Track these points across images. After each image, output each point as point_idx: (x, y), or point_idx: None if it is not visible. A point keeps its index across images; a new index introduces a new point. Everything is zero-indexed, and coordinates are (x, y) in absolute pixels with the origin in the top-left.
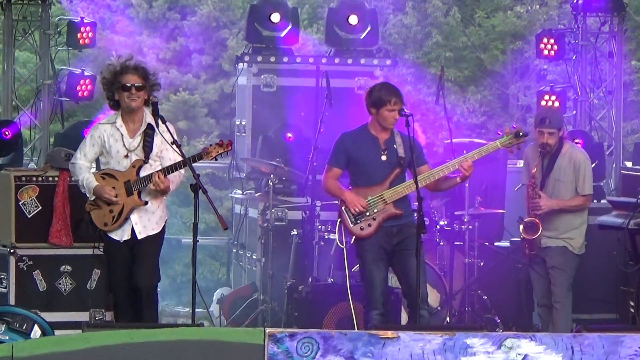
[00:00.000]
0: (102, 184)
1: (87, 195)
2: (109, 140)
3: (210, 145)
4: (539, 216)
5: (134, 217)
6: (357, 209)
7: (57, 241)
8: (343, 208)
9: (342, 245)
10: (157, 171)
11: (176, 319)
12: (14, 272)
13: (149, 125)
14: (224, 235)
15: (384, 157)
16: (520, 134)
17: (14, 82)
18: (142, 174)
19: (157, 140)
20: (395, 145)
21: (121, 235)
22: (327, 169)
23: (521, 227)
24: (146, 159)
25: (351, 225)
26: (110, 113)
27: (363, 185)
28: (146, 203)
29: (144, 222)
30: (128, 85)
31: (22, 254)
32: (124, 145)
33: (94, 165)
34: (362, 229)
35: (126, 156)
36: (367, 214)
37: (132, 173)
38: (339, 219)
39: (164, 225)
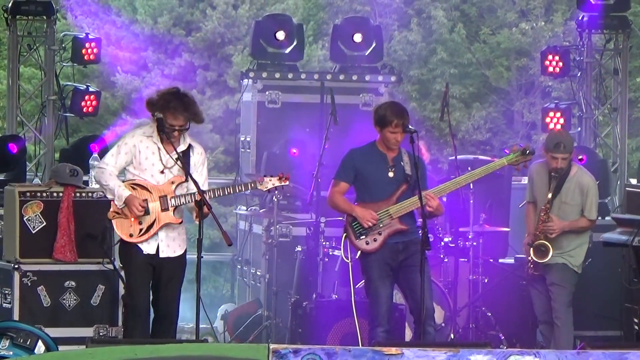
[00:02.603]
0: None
1: (116, 202)
2: (145, 151)
3: (265, 175)
4: (549, 239)
5: (161, 234)
6: (369, 223)
7: (62, 257)
8: (350, 222)
9: (348, 260)
10: (199, 192)
11: (180, 334)
12: (18, 287)
13: (189, 145)
14: (228, 251)
15: (391, 174)
16: (527, 151)
17: (19, 98)
18: (178, 192)
19: (192, 160)
20: (402, 163)
21: (147, 248)
22: (333, 183)
23: (531, 250)
24: (186, 178)
25: (356, 240)
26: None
27: (370, 201)
28: (181, 221)
29: (169, 241)
30: (172, 127)
31: (26, 270)
32: (161, 160)
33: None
34: (367, 243)
35: (162, 172)
36: (373, 228)
37: (169, 189)
38: (344, 234)
39: (186, 248)
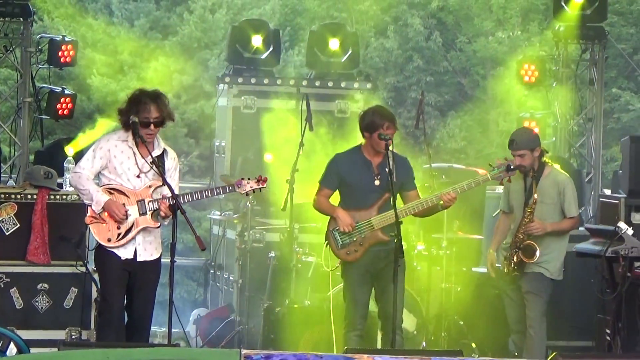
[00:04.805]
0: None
1: (94, 207)
2: (120, 156)
3: (243, 179)
4: (534, 238)
5: (138, 238)
6: (345, 228)
7: (35, 259)
8: (331, 230)
9: (328, 269)
10: (174, 197)
11: (152, 338)
12: None
13: (163, 150)
14: (201, 256)
15: (377, 182)
16: (512, 167)
17: None
18: (155, 196)
19: (166, 165)
20: (387, 169)
21: (124, 253)
22: (319, 188)
23: (519, 251)
24: (164, 182)
25: (337, 249)
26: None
27: (353, 208)
28: (159, 225)
29: (146, 245)
30: (147, 119)
31: None
32: (137, 164)
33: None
34: (348, 253)
35: (138, 176)
36: (354, 238)
37: (147, 193)
38: (326, 242)
39: (161, 252)
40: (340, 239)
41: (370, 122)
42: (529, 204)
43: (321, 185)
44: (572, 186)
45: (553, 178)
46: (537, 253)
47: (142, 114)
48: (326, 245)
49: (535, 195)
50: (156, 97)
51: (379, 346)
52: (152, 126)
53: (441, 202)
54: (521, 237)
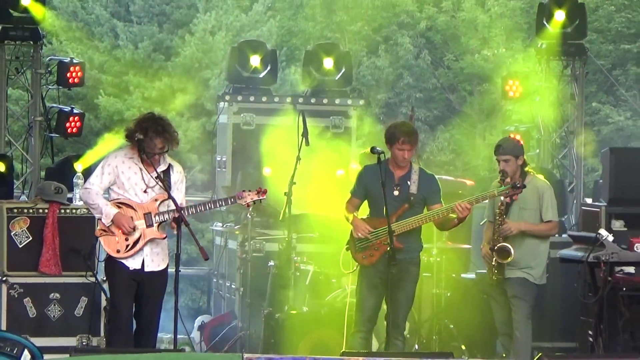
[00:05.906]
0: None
1: (104, 220)
2: (127, 172)
3: (244, 191)
4: (508, 240)
5: (146, 249)
6: (359, 234)
7: (47, 270)
8: (352, 235)
9: (347, 271)
10: (177, 210)
11: (159, 344)
12: (6, 299)
13: (169, 165)
14: (204, 266)
15: (396, 193)
16: (518, 185)
17: (7, 119)
18: (161, 209)
19: (172, 178)
20: (409, 182)
21: (132, 263)
22: (349, 197)
23: (494, 253)
24: (169, 196)
25: (355, 254)
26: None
27: (375, 217)
28: (165, 236)
29: (153, 256)
30: (152, 151)
31: (13, 282)
32: (143, 180)
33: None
34: (364, 257)
35: (145, 191)
36: (370, 243)
37: (153, 206)
38: (347, 246)
39: (168, 262)
40: (359, 243)
41: (390, 134)
42: (497, 206)
43: (350, 195)
44: (550, 192)
45: (533, 185)
46: (512, 252)
47: (147, 146)
48: (347, 249)
49: (502, 198)
50: (163, 130)
51: (374, 347)
52: (156, 156)
53: (454, 214)
54: (496, 239)
